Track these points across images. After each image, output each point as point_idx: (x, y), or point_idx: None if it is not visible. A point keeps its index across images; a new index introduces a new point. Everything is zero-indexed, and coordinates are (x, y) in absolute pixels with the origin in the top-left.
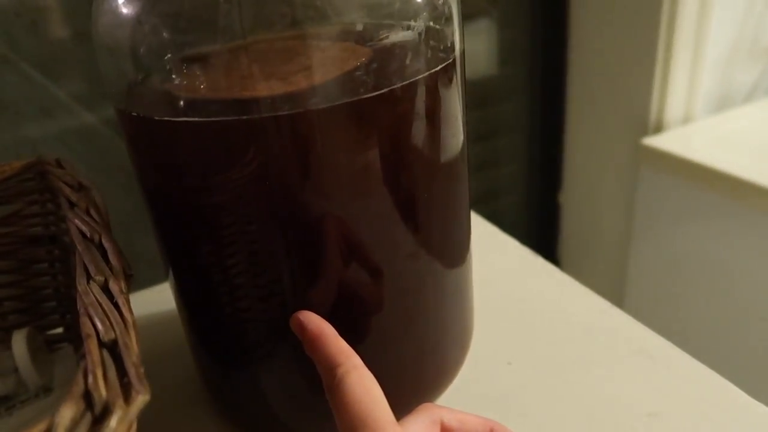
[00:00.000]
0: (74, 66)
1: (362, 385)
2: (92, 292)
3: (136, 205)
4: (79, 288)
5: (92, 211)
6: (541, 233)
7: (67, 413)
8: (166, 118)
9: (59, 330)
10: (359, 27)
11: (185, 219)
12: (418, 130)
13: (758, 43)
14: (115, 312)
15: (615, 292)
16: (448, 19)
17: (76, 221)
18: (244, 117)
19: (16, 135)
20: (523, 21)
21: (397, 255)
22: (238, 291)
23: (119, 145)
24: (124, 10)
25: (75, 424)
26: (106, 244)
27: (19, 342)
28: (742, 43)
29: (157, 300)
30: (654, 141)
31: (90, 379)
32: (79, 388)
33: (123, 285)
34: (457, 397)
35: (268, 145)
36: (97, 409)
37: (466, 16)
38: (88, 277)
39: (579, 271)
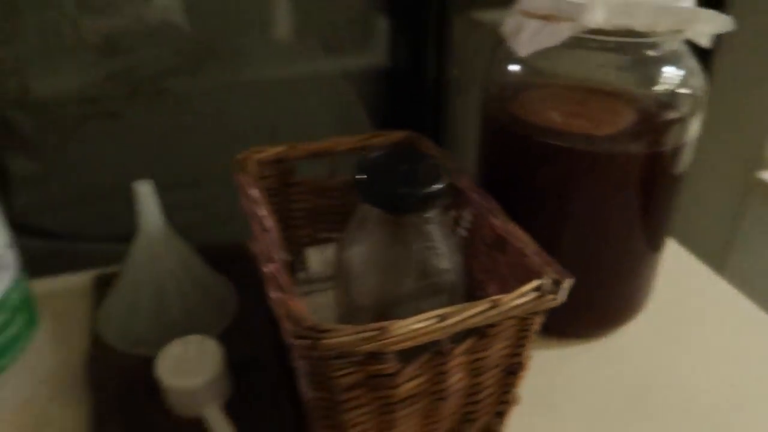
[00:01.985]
0: None
1: None
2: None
3: None
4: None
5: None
6: None
7: (546, 280)
8: (515, 132)
9: None
10: (653, 105)
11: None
12: (670, 176)
13: None
14: None
15: None
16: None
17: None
18: (568, 146)
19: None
20: None
21: (627, 237)
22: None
23: None
24: (511, 66)
25: (549, 286)
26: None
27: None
28: None
29: None
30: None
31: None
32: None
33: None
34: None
35: (578, 167)
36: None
37: None
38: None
39: None
